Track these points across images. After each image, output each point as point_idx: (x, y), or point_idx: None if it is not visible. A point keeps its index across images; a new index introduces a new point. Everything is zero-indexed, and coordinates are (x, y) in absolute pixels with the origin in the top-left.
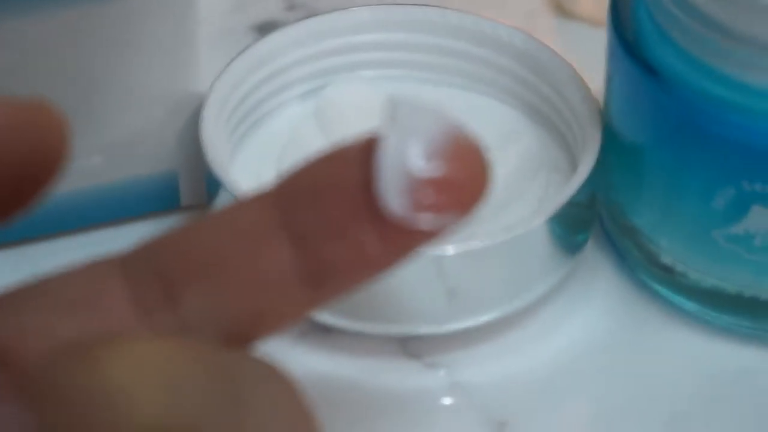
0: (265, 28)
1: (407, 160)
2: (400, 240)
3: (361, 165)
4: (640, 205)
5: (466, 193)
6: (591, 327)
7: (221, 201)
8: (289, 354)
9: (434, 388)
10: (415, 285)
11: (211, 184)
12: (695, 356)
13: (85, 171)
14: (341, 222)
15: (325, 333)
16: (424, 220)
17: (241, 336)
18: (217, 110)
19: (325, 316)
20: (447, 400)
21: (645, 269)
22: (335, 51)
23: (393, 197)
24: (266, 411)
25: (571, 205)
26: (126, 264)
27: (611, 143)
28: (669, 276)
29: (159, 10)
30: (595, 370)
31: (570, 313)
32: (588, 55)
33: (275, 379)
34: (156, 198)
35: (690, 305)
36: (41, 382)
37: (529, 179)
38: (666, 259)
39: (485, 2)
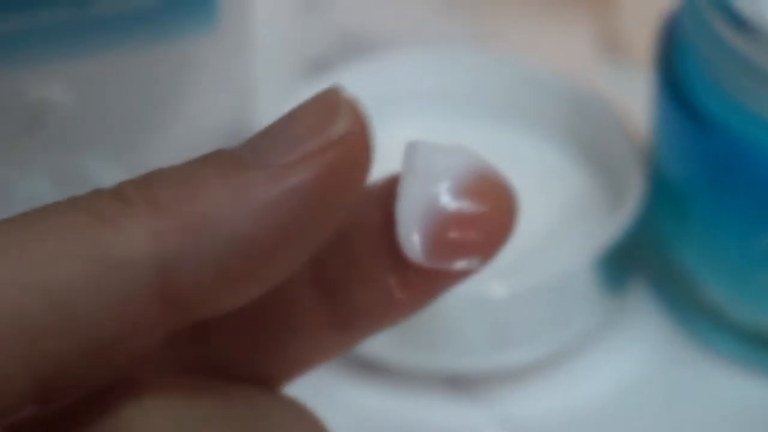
0: (321, 66)
1: (425, 203)
2: (426, 283)
3: (381, 207)
4: (685, 247)
5: (489, 231)
6: (634, 367)
7: None
8: (337, 390)
9: (479, 424)
10: (463, 323)
11: None
12: (737, 398)
13: None
14: (367, 266)
15: (372, 370)
16: (448, 262)
17: (271, 377)
18: None
19: (372, 353)
20: None
21: (689, 310)
22: (386, 91)
23: (411, 241)
24: None
25: (616, 246)
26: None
27: (657, 185)
28: (712, 317)
29: (219, 49)
30: (637, 410)
31: (614, 353)
32: (638, 97)
33: (304, 420)
34: None
35: (733, 347)
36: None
37: (575, 220)
38: (710, 300)
39: (536, 43)
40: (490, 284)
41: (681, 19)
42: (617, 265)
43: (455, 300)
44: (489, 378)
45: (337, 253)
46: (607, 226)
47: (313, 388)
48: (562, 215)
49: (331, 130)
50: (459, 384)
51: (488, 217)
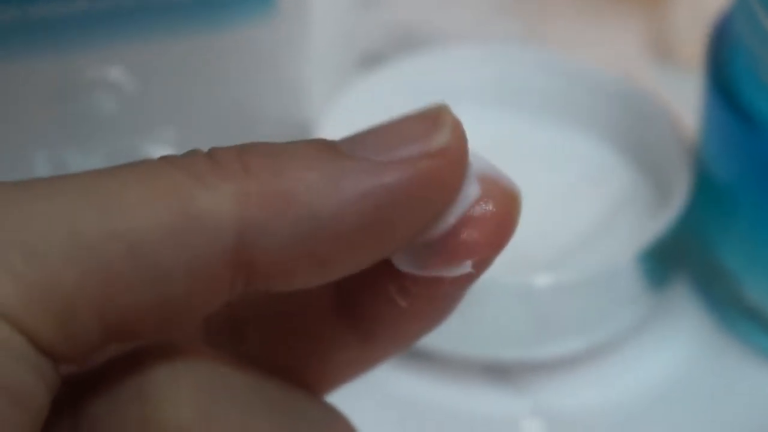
0: (371, 60)
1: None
2: (423, 290)
3: None
4: (728, 245)
5: (483, 236)
6: (674, 363)
7: None
8: (379, 376)
9: (518, 413)
10: (506, 313)
11: None
12: None
13: None
14: (371, 274)
15: (415, 356)
16: (438, 269)
17: (306, 385)
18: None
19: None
20: (530, 426)
21: (730, 308)
22: (437, 85)
23: (404, 257)
24: None
25: (660, 242)
26: None
27: (703, 184)
28: (753, 316)
29: (277, 38)
30: (675, 406)
31: (654, 348)
32: (686, 97)
33: (339, 423)
34: None
35: None
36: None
37: (621, 216)
38: (751, 299)
39: (589, 42)
40: (535, 275)
41: (732, 20)
42: (660, 262)
43: (500, 289)
44: (530, 368)
45: None
46: (652, 223)
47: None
48: (608, 211)
49: (432, 141)
50: (500, 373)
51: (491, 222)
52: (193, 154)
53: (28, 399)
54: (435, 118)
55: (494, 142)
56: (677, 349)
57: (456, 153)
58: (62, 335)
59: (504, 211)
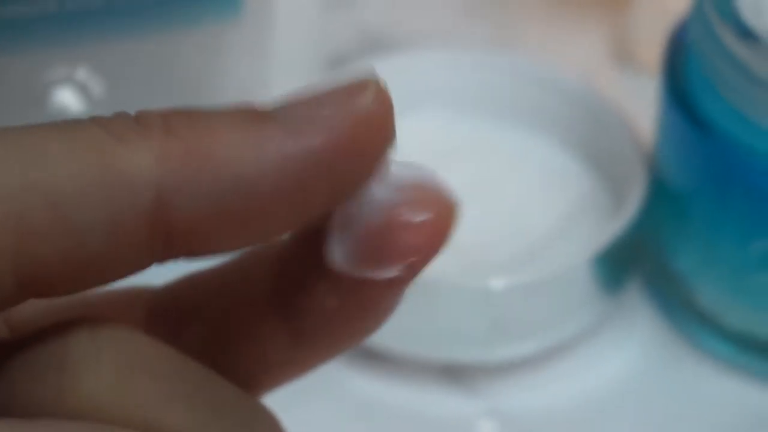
0: (339, 63)
1: (362, 208)
2: (354, 290)
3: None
4: (681, 249)
5: (419, 241)
6: (627, 366)
7: None
8: (335, 376)
9: (472, 414)
10: (461, 314)
11: None
12: (728, 400)
13: None
14: (304, 270)
15: (370, 357)
16: (370, 269)
17: (239, 383)
18: None
19: (371, 340)
20: (484, 427)
21: (683, 312)
22: (402, 88)
23: (333, 245)
24: None
25: (614, 245)
26: (153, 296)
27: (658, 189)
28: (705, 319)
29: (241, 38)
30: (628, 408)
31: (608, 351)
32: (647, 102)
33: (263, 422)
34: None
35: (724, 349)
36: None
37: (577, 219)
38: (703, 303)
39: (551, 47)
40: (491, 278)
41: (688, 27)
42: (615, 266)
43: (456, 291)
44: (485, 370)
45: (285, 257)
46: (607, 227)
47: (311, 374)
48: (564, 214)
49: (354, 105)
50: (455, 374)
51: (423, 228)
52: (119, 115)
53: None
54: (360, 85)
55: (456, 144)
56: (631, 352)
57: (378, 119)
58: None
59: (440, 220)
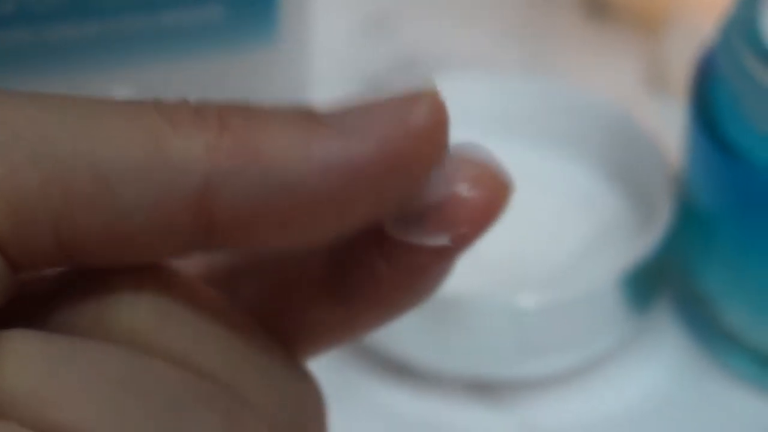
0: (375, 85)
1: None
2: (405, 257)
3: None
4: (709, 270)
5: (473, 216)
6: (654, 385)
7: None
8: (365, 390)
9: (500, 430)
10: (492, 331)
11: None
12: (754, 419)
13: None
14: (362, 237)
15: (400, 371)
16: (424, 237)
17: (287, 343)
18: None
19: (401, 354)
20: None
21: (709, 332)
22: None
23: (388, 216)
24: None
25: (642, 266)
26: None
27: (686, 212)
28: (732, 340)
29: (278, 62)
30: (655, 426)
31: (635, 369)
32: (677, 127)
33: (304, 386)
34: None
35: (751, 369)
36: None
37: (606, 240)
38: (730, 323)
39: (584, 71)
40: (520, 295)
41: (715, 53)
42: (642, 286)
43: (486, 308)
44: (513, 386)
45: None
46: (635, 248)
47: (340, 386)
48: (593, 235)
49: (408, 120)
50: (483, 390)
51: (474, 202)
52: (179, 102)
53: None
54: (415, 97)
55: None
56: (658, 371)
57: (429, 134)
58: (16, 237)
59: (494, 196)
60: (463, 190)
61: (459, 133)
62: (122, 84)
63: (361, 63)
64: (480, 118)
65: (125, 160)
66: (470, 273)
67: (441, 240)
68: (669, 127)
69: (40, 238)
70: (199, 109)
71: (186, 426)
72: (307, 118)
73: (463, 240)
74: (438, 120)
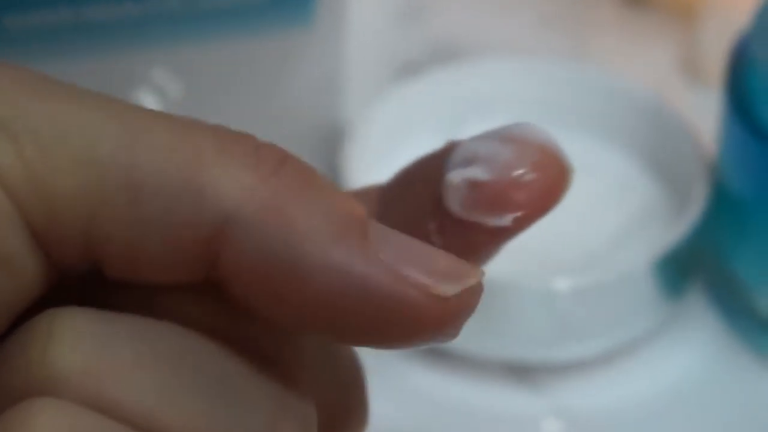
0: (411, 71)
1: (481, 156)
2: (460, 234)
3: (439, 163)
4: (742, 256)
5: (533, 198)
6: (687, 369)
7: None
8: (401, 372)
9: (537, 412)
10: (527, 315)
11: None
12: None
13: None
14: (413, 206)
15: (437, 355)
16: (483, 216)
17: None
18: (358, 144)
19: None
20: (548, 425)
21: (743, 317)
22: (471, 96)
23: (451, 193)
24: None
25: (676, 251)
26: None
27: (720, 197)
28: (766, 326)
29: (314, 45)
30: (687, 410)
31: (669, 354)
32: (711, 114)
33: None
34: None
35: None
36: None
37: (640, 225)
38: (763, 309)
39: (620, 57)
40: (556, 279)
41: (750, 41)
42: (676, 271)
43: (522, 292)
44: (548, 369)
45: (401, 201)
46: (669, 233)
47: (377, 369)
48: (628, 220)
49: (440, 285)
50: (518, 373)
51: (536, 185)
52: (245, 134)
53: (16, 267)
54: (463, 270)
55: None
56: (691, 356)
57: (451, 311)
58: (49, 235)
59: (555, 180)
60: (527, 172)
61: (496, 120)
62: (160, 65)
63: (397, 49)
64: (516, 105)
65: (160, 176)
66: (506, 257)
67: (501, 221)
68: (704, 114)
69: (71, 239)
70: (261, 147)
71: (234, 403)
72: (355, 220)
73: (522, 222)
74: (465, 302)
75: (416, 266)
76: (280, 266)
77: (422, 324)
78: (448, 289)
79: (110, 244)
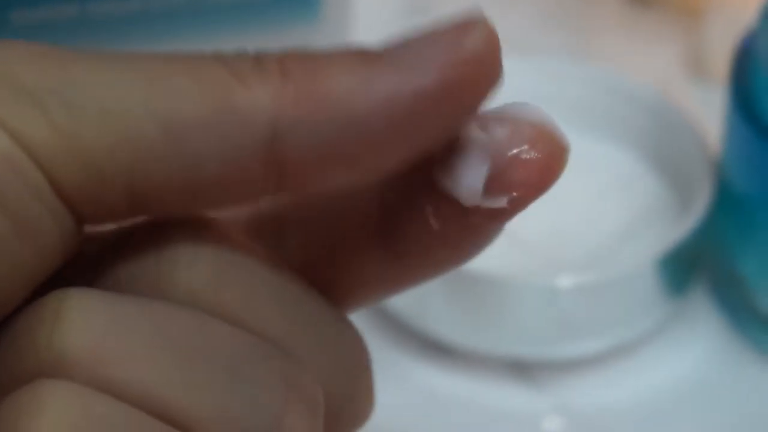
0: None
1: (477, 139)
2: (458, 216)
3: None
4: (746, 254)
5: (530, 177)
6: (690, 367)
7: None
8: (403, 368)
9: (539, 409)
10: (529, 312)
11: None
12: None
13: None
14: (410, 189)
15: (439, 351)
16: (478, 198)
17: (332, 294)
18: None
19: (440, 334)
20: (550, 422)
21: (746, 316)
22: None
23: (447, 174)
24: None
25: (679, 249)
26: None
27: (724, 195)
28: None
29: (320, 41)
30: (690, 409)
31: (671, 352)
32: (716, 112)
33: (349, 336)
34: None
35: None
36: None
37: (644, 223)
38: (766, 307)
39: (625, 56)
40: (558, 277)
41: (755, 39)
42: (680, 269)
43: (524, 288)
44: (550, 366)
45: (390, 177)
46: (673, 231)
47: (378, 365)
48: (632, 217)
49: (463, 47)
50: (520, 370)
51: (533, 163)
52: (240, 54)
53: (36, 235)
54: (469, 24)
55: None
56: (693, 354)
57: (486, 59)
58: (87, 193)
59: (551, 159)
60: (522, 151)
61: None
62: None
63: None
64: (521, 101)
65: (194, 114)
66: (509, 253)
67: (498, 202)
68: (709, 111)
69: (111, 193)
70: (259, 59)
71: (245, 387)
72: (363, 57)
73: (519, 202)
74: (492, 44)
75: (438, 49)
76: (342, 136)
77: (469, 87)
78: (470, 45)
79: (162, 188)
